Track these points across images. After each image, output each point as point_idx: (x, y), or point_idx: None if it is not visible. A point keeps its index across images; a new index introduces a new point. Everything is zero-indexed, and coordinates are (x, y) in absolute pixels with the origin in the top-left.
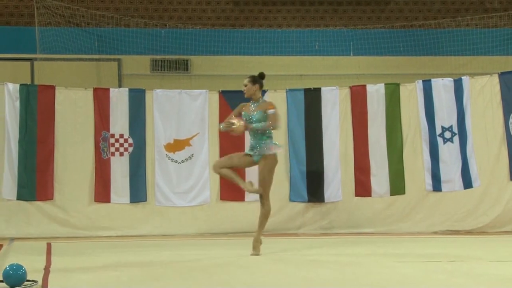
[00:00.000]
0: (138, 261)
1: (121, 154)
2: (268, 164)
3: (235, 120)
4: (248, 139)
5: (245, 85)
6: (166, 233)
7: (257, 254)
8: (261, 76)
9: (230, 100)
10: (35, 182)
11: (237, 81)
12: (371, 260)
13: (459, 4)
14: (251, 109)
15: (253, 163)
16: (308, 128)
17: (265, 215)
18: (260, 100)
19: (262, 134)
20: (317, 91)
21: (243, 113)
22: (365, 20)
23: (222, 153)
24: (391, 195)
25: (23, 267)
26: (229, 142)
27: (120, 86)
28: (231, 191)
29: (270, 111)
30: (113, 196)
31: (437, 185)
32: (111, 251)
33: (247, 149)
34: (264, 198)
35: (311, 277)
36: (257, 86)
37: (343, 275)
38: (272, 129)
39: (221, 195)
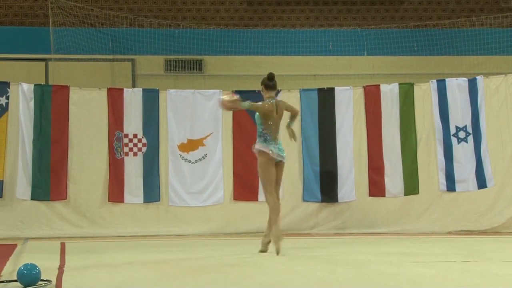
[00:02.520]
0: (152, 260)
1: (135, 154)
2: (258, 161)
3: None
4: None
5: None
6: (179, 233)
7: (279, 251)
8: (268, 76)
9: (244, 100)
10: (49, 182)
11: (251, 81)
12: (386, 260)
13: (474, 4)
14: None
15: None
16: (321, 128)
17: (270, 211)
18: (266, 100)
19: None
20: (331, 91)
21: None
22: (379, 20)
23: (236, 153)
24: (405, 195)
25: (37, 266)
26: (242, 141)
27: (134, 86)
28: (244, 191)
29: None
30: (127, 196)
31: (451, 185)
32: (124, 251)
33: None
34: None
35: (325, 277)
36: (262, 86)
37: (357, 275)
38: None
39: (235, 195)
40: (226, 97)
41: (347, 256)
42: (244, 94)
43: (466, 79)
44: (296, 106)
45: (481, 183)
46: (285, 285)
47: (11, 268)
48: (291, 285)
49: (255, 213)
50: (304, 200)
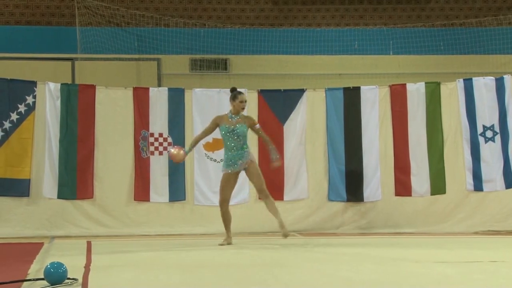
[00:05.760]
0: (177, 260)
1: (161, 153)
2: (256, 164)
3: (175, 150)
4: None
5: (244, 101)
6: (205, 232)
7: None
8: (231, 90)
9: (269, 99)
10: (75, 181)
11: (276, 80)
12: (411, 260)
13: (501, 3)
14: (233, 122)
15: (236, 177)
16: (347, 127)
17: (273, 203)
18: (240, 114)
19: (243, 144)
20: (357, 90)
21: (221, 125)
22: (405, 19)
23: (261, 152)
24: (431, 194)
25: (63, 265)
26: None
27: (159, 85)
28: (270, 190)
29: (257, 126)
30: (152, 195)
31: (478, 184)
32: (150, 250)
33: (226, 169)
34: (266, 191)
35: (351, 277)
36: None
37: (383, 275)
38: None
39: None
40: (174, 152)
41: (373, 256)
42: (270, 93)
43: (493, 78)
44: (322, 105)
45: (509, 182)
46: (311, 285)
47: (38, 267)
48: (316, 285)
49: (280, 212)
50: (329, 199)
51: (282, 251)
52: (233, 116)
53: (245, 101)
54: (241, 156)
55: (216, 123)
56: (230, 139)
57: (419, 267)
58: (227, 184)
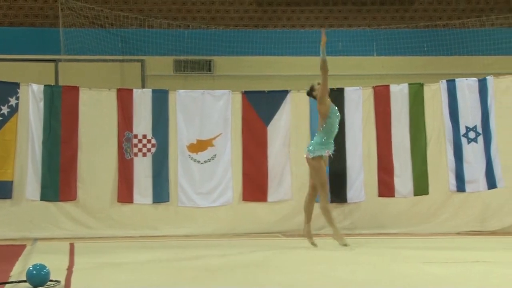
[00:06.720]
0: (161, 261)
1: (144, 155)
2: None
3: None
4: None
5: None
6: (189, 234)
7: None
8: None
9: (253, 100)
10: (58, 182)
11: (260, 82)
12: (397, 260)
13: (484, 4)
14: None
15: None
16: None
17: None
18: None
19: None
20: (340, 91)
21: (334, 107)
22: (389, 20)
23: (245, 153)
24: (414, 195)
25: (46, 267)
26: (252, 142)
27: (143, 86)
28: (253, 191)
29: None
30: (136, 196)
31: (461, 185)
32: (134, 252)
33: (324, 152)
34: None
35: (339, 276)
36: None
37: (370, 275)
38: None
39: (244, 196)
40: None
41: (358, 256)
42: (254, 95)
43: (476, 79)
44: (306, 106)
45: (491, 183)
46: (305, 285)
47: (20, 269)
48: (312, 285)
49: (264, 213)
50: None
51: (266, 252)
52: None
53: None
54: (331, 146)
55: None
56: (337, 125)
57: (406, 267)
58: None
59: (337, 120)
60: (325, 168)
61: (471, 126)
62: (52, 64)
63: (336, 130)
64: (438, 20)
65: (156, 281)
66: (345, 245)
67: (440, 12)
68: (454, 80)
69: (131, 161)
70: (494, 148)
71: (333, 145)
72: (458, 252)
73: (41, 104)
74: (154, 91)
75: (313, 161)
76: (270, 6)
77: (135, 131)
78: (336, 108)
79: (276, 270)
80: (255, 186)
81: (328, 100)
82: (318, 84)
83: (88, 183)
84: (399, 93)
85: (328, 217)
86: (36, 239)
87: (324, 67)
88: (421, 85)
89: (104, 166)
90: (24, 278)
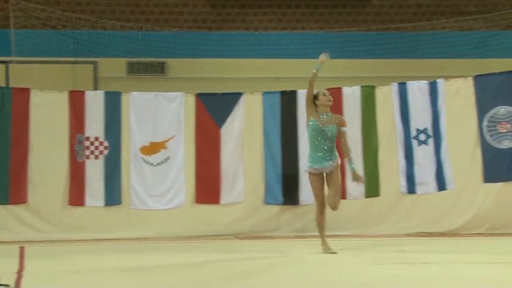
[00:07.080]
0: (113, 265)
1: (96, 157)
2: (339, 170)
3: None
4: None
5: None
6: (141, 236)
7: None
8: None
9: (206, 103)
10: (8, 185)
11: (214, 84)
12: (350, 262)
13: (435, 7)
14: (324, 121)
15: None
16: (284, 131)
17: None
18: (330, 113)
19: (332, 147)
20: (294, 93)
21: (312, 119)
22: (342, 23)
23: (198, 155)
24: (366, 197)
25: None
26: (205, 144)
27: (96, 88)
28: (206, 193)
29: (344, 129)
30: (87, 199)
31: (411, 187)
32: (85, 255)
33: (317, 165)
34: (337, 204)
35: (292, 277)
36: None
37: (326, 276)
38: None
39: (197, 198)
40: None
41: (312, 257)
42: (207, 97)
43: (427, 82)
44: (259, 109)
45: (441, 185)
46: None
47: None
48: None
49: (217, 216)
50: (266, 202)
51: (219, 255)
52: (323, 114)
53: (328, 94)
54: (329, 159)
55: (313, 109)
56: (319, 138)
57: (359, 269)
58: (318, 188)
59: (315, 134)
60: (317, 183)
61: (421, 129)
62: (3, 66)
63: (318, 143)
64: (389, 24)
65: (109, 285)
66: (333, 253)
67: (392, 15)
68: (405, 83)
69: (83, 164)
70: (445, 150)
71: (328, 158)
72: (407, 254)
73: None
74: (106, 93)
75: (307, 174)
76: (223, 8)
77: (87, 133)
78: (322, 120)
79: (223, 272)
80: (208, 188)
81: (315, 110)
82: (324, 95)
83: (39, 185)
84: (351, 96)
85: (317, 229)
86: None
87: (310, 80)
88: (373, 87)
89: (55, 169)
90: None
